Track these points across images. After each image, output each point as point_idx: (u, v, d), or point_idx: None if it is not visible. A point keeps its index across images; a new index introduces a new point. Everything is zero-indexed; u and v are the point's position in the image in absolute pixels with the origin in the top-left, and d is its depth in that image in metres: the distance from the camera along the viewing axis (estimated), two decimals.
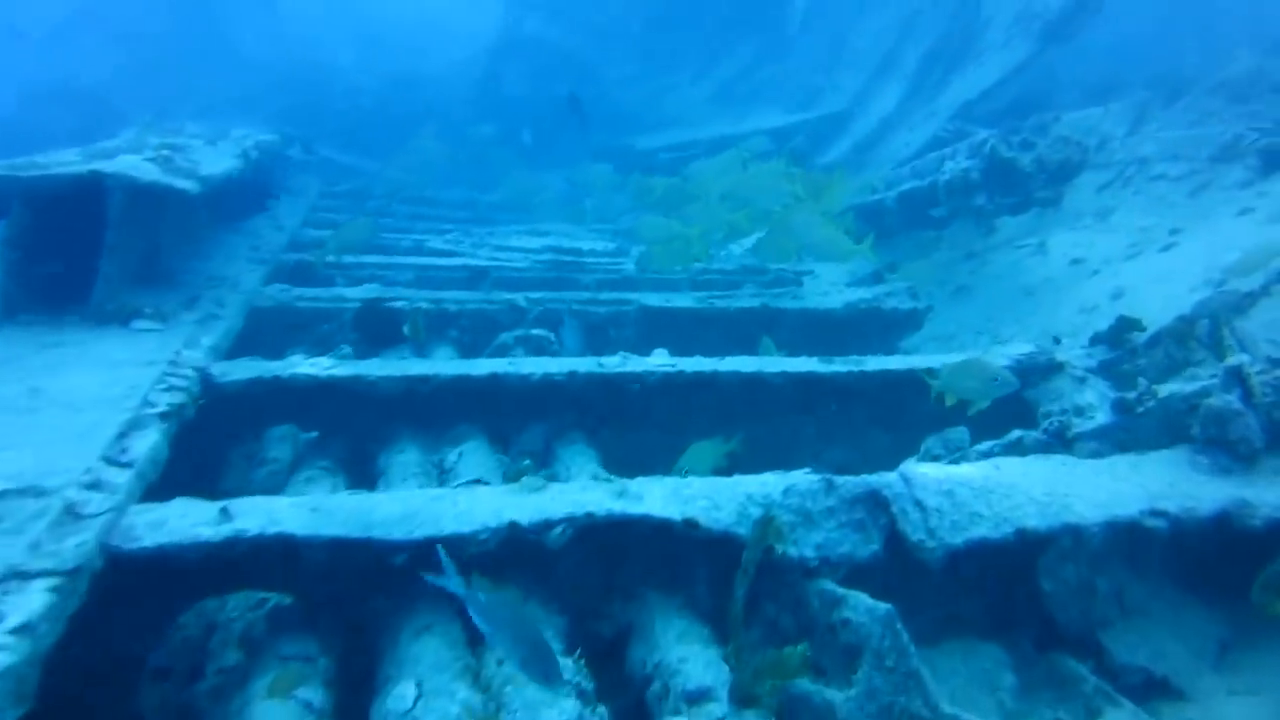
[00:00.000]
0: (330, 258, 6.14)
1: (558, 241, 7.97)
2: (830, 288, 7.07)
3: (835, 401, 4.66)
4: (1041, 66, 10.26)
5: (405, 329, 4.50)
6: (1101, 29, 9.99)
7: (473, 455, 4.05)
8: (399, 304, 5.82)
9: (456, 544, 2.68)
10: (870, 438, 4.79)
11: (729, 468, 4.40)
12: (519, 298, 6.07)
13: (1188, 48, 13.10)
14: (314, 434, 4.15)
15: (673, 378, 4.52)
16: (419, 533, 2.68)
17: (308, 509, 2.68)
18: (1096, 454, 3.25)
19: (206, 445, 3.91)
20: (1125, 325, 4.13)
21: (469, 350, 5.96)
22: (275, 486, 3.93)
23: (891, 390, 4.61)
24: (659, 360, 4.63)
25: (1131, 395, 3.26)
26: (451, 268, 7.12)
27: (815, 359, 4.70)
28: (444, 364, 4.31)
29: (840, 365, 4.58)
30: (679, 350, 6.16)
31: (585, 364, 4.50)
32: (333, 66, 13.87)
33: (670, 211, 6.24)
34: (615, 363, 4.53)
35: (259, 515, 2.63)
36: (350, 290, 5.82)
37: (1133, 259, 5.56)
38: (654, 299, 6.17)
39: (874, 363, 4.62)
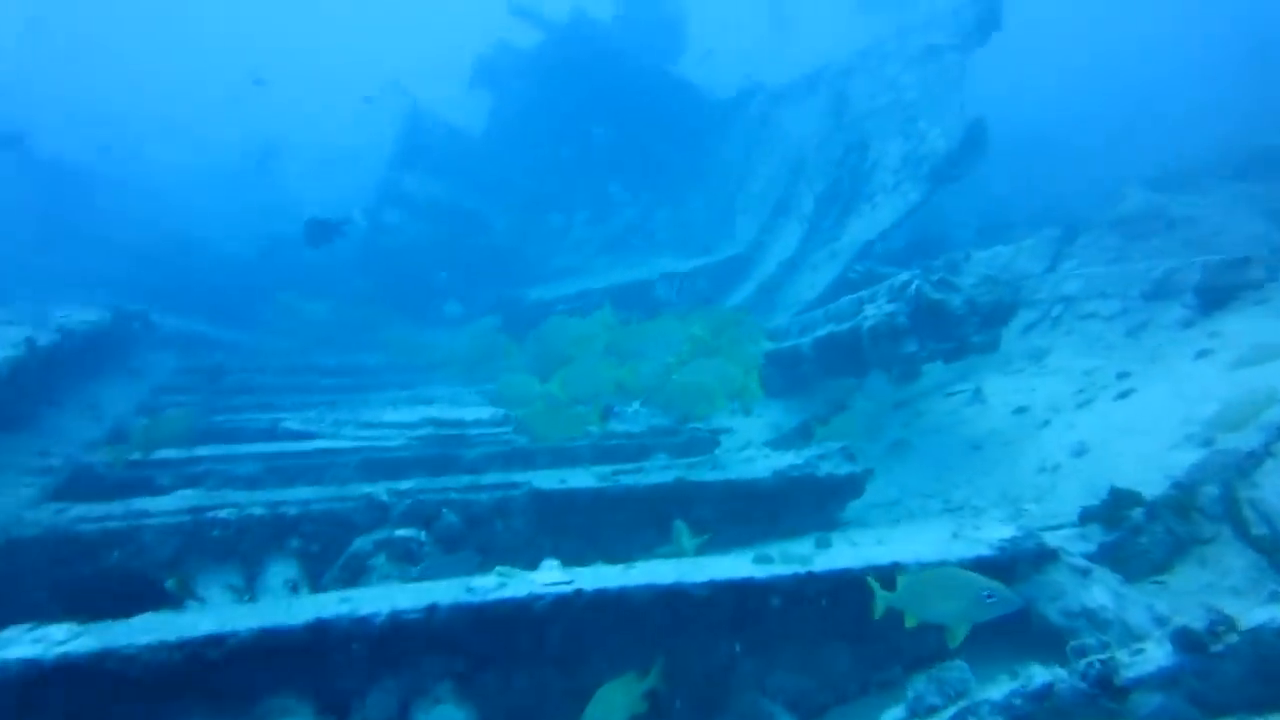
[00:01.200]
0: (136, 455, 4.88)
1: (439, 412, 6.95)
2: (751, 449, 6.24)
3: (778, 612, 3.66)
4: (932, 205, 10.33)
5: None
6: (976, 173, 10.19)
7: None
8: (223, 513, 4.63)
9: None
10: (826, 654, 3.78)
11: (650, 714, 3.39)
12: (380, 490, 4.95)
13: (1047, 191, 13.82)
14: None
15: (568, 600, 3.45)
16: None
17: None
18: (1166, 713, 2.33)
19: None
20: (1121, 500, 3.37)
21: (316, 563, 4.75)
22: None
23: (849, 590, 3.66)
24: (549, 577, 3.56)
25: (1199, 624, 2.39)
26: (306, 453, 5.98)
27: (749, 558, 3.74)
28: (242, 614, 3.10)
29: (781, 567, 3.62)
30: (581, 538, 5.14)
31: (449, 592, 3.38)
32: (201, 239, 13.08)
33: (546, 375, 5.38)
34: (490, 586, 3.43)
35: None
36: (155, 501, 4.56)
37: (1085, 407, 4.95)
38: (548, 479, 5.16)
39: (822, 560, 3.67)
